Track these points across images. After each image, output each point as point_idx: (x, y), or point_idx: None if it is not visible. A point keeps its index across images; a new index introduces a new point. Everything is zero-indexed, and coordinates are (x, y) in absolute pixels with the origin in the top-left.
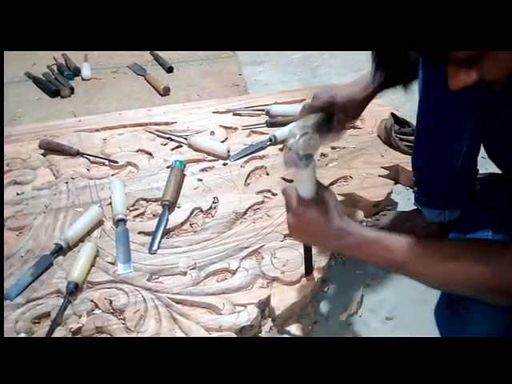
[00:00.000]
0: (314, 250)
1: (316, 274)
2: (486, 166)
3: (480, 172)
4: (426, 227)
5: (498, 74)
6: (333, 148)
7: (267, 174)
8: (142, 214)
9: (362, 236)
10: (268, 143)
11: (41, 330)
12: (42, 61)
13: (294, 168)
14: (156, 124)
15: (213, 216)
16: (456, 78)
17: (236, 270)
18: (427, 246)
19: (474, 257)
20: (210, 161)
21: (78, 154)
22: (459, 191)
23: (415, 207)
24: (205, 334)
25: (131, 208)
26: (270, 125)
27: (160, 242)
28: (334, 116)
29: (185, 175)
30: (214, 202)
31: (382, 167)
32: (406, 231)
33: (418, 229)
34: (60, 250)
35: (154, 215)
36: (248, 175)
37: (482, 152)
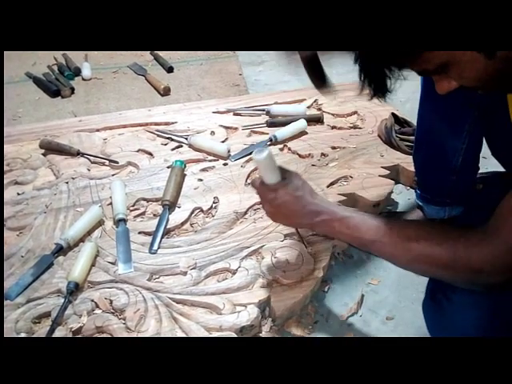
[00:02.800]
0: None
1: (316, 274)
2: (486, 165)
3: (480, 171)
4: None
5: (469, 82)
6: (333, 148)
7: None
8: (143, 213)
9: (333, 213)
10: (268, 143)
11: (41, 330)
12: (43, 61)
13: (254, 160)
14: (156, 124)
15: (213, 216)
16: (440, 85)
17: (236, 269)
18: (393, 227)
19: (434, 239)
20: (210, 161)
21: (78, 153)
22: (459, 188)
23: (415, 206)
24: (205, 334)
25: (132, 208)
26: (271, 125)
27: (160, 241)
28: None
29: (185, 175)
30: (214, 202)
31: (382, 167)
32: None
33: None
34: (60, 250)
35: (154, 215)
36: (248, 175)
37: (483, 152)
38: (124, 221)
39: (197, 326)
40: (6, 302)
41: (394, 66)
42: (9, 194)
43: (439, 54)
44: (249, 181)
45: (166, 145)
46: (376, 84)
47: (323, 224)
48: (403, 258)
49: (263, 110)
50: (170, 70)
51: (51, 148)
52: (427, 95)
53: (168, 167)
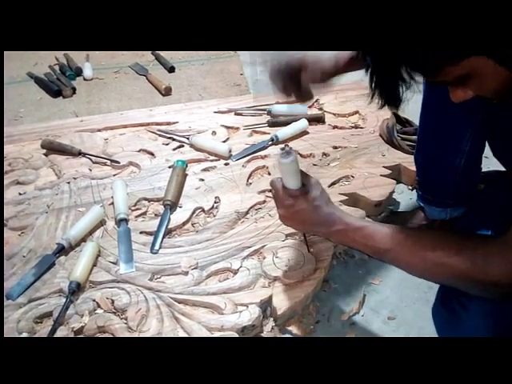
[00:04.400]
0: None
1: (318, 274)
2: (488, 165)
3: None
4: (427, 225)
5: (488, 93)
6: (334, 148)
7: (269, 174)
8: (144, 213)
9: (347, 224)
10: (270, 143)
11: (43, 330)
12: (44, 61)
13: (279, 163)
14: (158, 124)
15: (214, 216)
16: (455, 94)
17: (238, 269)
18: (408, 236)
19: (451, 248)
20: (211, 160)
21: (79, 153)
22: (461, 189)
23: (417, 206)
24: (207, 334)
25: (133, 208)
26: (272, 124)
27: (162, 241)
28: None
29: (186, 175)
30: (215, 202)
31: (383, 167)
32: None
33: (422, 227)
34: (62, 250)
35: (155, 215)
36: (250, 175)
37: (485, 152)
38: (125, 221)
39: (198, 325)
40: (7, 302)
41: (411, 77)
42: (10, 193)
43: (462, 66)
44: (250, 180)
45: (167, 145)
46: (389, 94)
47: (338, 233)
48: (419, 266)
49: (264, 110)
50: (171, 69)
51: (53, 148)
52: (430, 97)
53: (169, 167)
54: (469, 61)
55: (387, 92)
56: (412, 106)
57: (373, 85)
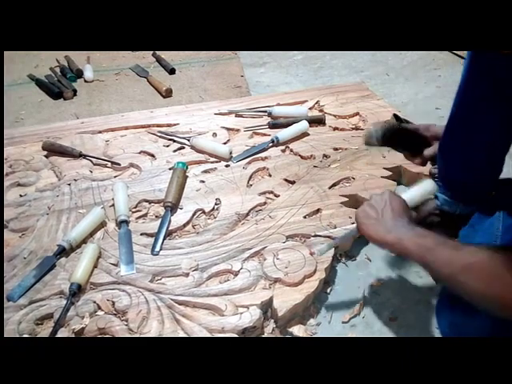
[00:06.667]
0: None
1: (318, 275)
2: None
3: None
4: (437, 214)
5: None
6: (335, 149)
7: (269, 176)
8: (145, 215)
9: (412, 226)
10: (270, 144)
11: (44, 332)
12: (45, 63)
13: (428, 182)
14: (158, 126)
15: (215, 217)
16: None
17: (238, 271)
18: (450, 240)
19: (500, 252)
20: (212, 162)
21: (80, 155)
22: (480, 187)
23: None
24: (207, 336)
25: (134, 209)
26: (272, 126)
27: (162, 243)
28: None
29: (187, 177)
30: (216, 204)
31: (384, 168)
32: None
33: (431, 216)
34: (63, 252)
35: (156, 216)
36: (250, 176)
37: None
38: (126, 222)
39: (199, 327)
40: (8, 304)
41: None
42: (11, 195)
43: None
44: (251, 182)
45: (168, 146)
46: None
47: (399, 234)
48: (457, 265)
49: (265, 112)
50: (171, 71)
51: (54, 150)
52: (465, 91)
53: (170, 169)
54: None
55: None
56: (412, 107)
57: None
